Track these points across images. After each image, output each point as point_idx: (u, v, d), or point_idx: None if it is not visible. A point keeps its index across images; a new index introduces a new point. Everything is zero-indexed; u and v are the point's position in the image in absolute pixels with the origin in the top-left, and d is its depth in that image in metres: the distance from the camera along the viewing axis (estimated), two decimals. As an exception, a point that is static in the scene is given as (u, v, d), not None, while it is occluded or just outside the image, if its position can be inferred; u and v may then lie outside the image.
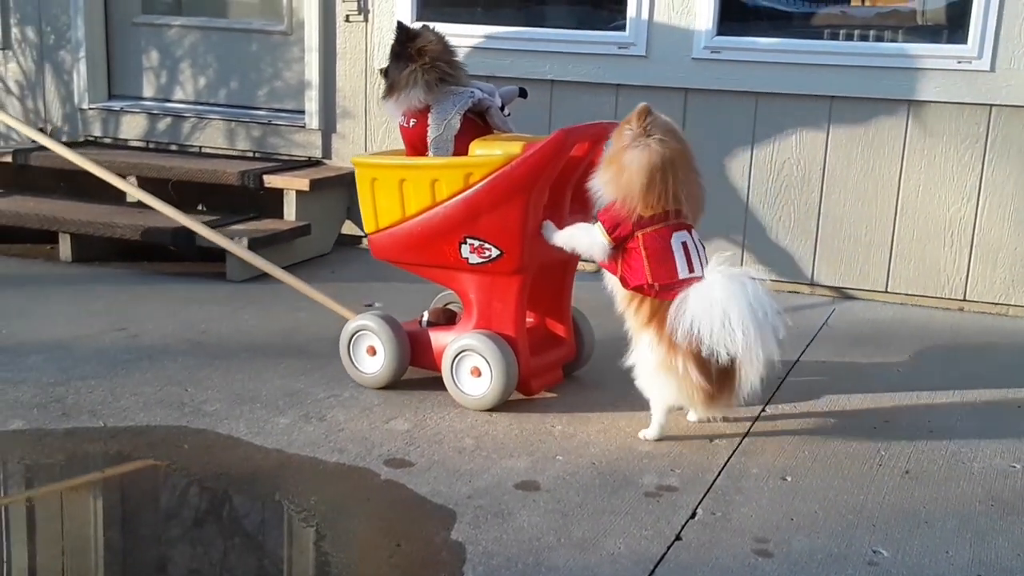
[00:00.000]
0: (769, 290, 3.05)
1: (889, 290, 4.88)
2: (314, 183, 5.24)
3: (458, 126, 3.48)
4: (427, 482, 2.94)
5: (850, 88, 4.75)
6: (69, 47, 6.04)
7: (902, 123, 4.72)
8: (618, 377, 3.30)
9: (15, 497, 2.93)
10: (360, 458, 3.08)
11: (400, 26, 3.63)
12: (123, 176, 5.42)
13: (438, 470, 3.01)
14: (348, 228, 5.61)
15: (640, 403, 3.28)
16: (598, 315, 3.43)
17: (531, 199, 3.33)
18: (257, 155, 5.79)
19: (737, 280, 3.01)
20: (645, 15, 4.95)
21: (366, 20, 5.43)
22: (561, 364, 3.72)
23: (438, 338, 3.58)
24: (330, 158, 5.64)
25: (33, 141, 6.00)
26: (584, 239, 3.24)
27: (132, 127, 6.03)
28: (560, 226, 3.35)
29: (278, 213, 5.32)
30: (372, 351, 3.61)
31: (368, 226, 3.62)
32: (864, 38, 4.84)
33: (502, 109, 3.63)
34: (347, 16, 5.47)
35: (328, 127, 5.63)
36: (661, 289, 3.09)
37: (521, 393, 3.54)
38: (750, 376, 3.02)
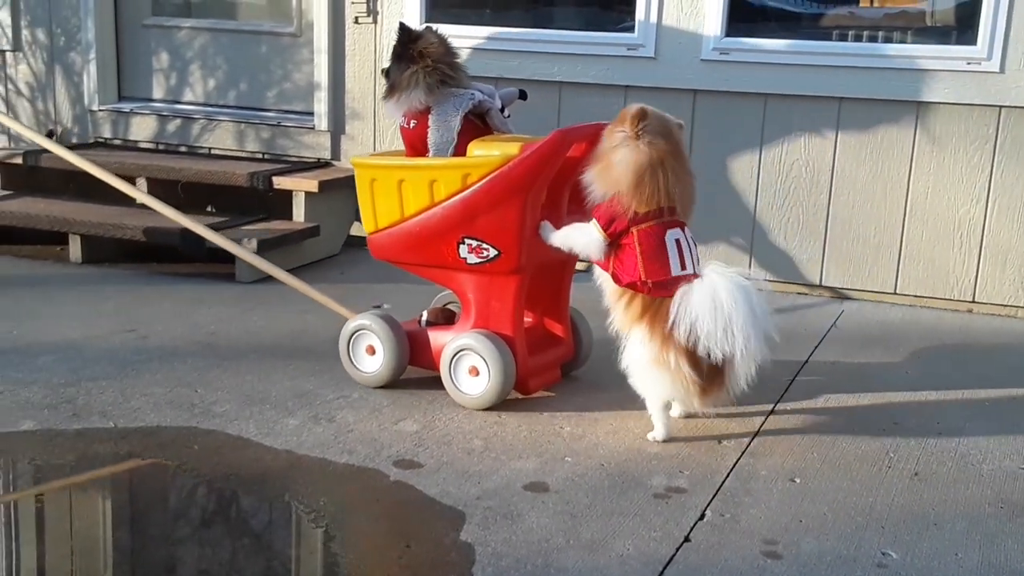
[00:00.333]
0: (762, 291, 3.08)
1: (898, 291, 4.87)
2: (323, 184, 5.25)
3: (459, 128, 3.50)
4: (436, 483, 2.94)
5: (859, 89, 4.74)
6: (79, 49, 6.06)
7: (911, 125, 4.72)
8: (625, 378, 3.30)
9: (27, 497, 2.94)
10: (369, 459, 3.09)
11: (402, 27, 3.64)
12: (133, 178, 5.47)
13: (447, 471, 3.02)
14: (357, 229, 5.62)
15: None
16: (597, 315, 3.43)
17: (528, 199, 3.35)
18: (266, 156, 5.81)
19: (739, 284, 3.03)
20: (654, 16, 4.95)
21: (375, 22, 5.44)
22: (559, 364, 3.74)
23: (437, 337, 3.60)
24: (339, 159, 5.65)
25: (43, 142, 6.05)
26: (581, 238, 3.26)
27: (142, 129, 6.05)
28: (558, 226, 3.38)
29: (287, 214, 5.33)
30: (371, 350, 3.63)
31: (367, 226, 3.64)
32: (873, 39, 4.83)
33: (502, 111, 3.65)
34: (356, 18, 5.48)
35: (337, 128, 5.64)
36: (654, 286, 3.12)
37: (519, 392, 3.56)
38: (742, 376, 3.07)
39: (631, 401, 3.33)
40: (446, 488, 2.91)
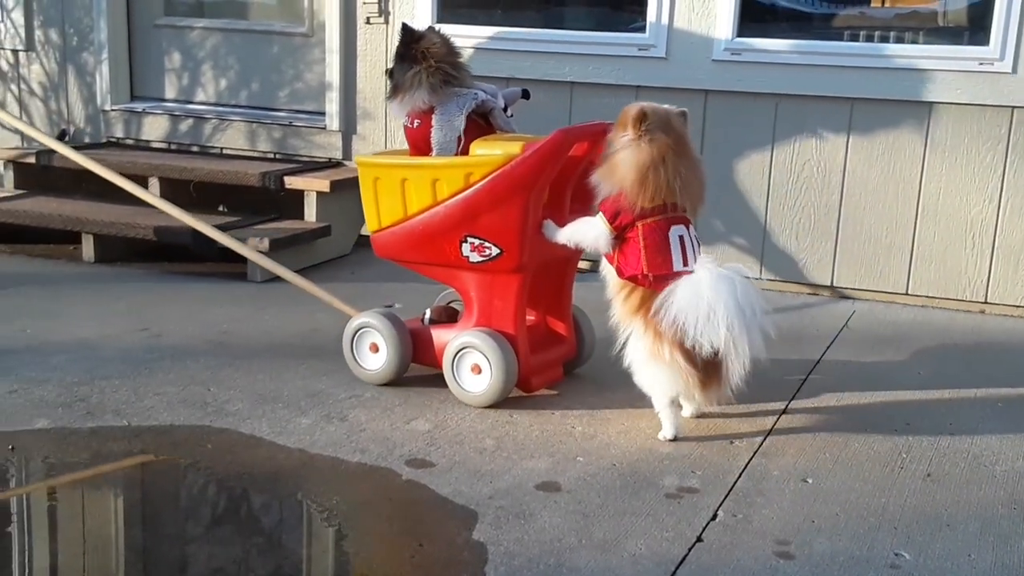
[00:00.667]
0: (758, 288, 3.09)
1: (910, 292, 4.86)
2: (334, 184, 5.26)
3: (462, 127, 3.52)
4: (448, 482, 2.95)
5: (871, 90, 4.74)
6: (92, 49, 6.08)
7: (923, 125, 4.71)
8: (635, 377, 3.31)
9: (41, 495, 2.95)
10: (382, 458, 3.10)
11: (405, 28, 3.67)
12: (145, 177, 5.49)
13: (459, 470, 3.03)
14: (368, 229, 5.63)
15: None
16: (601, 315, 3.45)
17: (531, 198, 3.37)
18: (278, 156, 5.82)
19: (726, 277, 3.04)
20: (665, 17, 4.95)
21: (386, 22, 5.45)
22: (561, 362, 3.76)
23: (440, 335, 3.62)
24: (350, 159, 5.66)
25: (57, 140, 6.07)
26: (589, 232, 3.28)
27: (154, 128, 6.07)
28: (560, 225, 3.40)
29: (299, 214, 5.34)
30: (375, 348, 3.65)
31: (371, 225, 3.67)
32: (885, 40, 4.83)
33: (505, 110, 3.68)
34: (367, 18, 5.49)
35: (348, 128, 5.66)
36: (655, 280, 3.14)
37: (521, 390, 3.58)
38: (735, 371, 3.07)
39: (642, 401, 3.33)
40: (458, 487, 2.92)
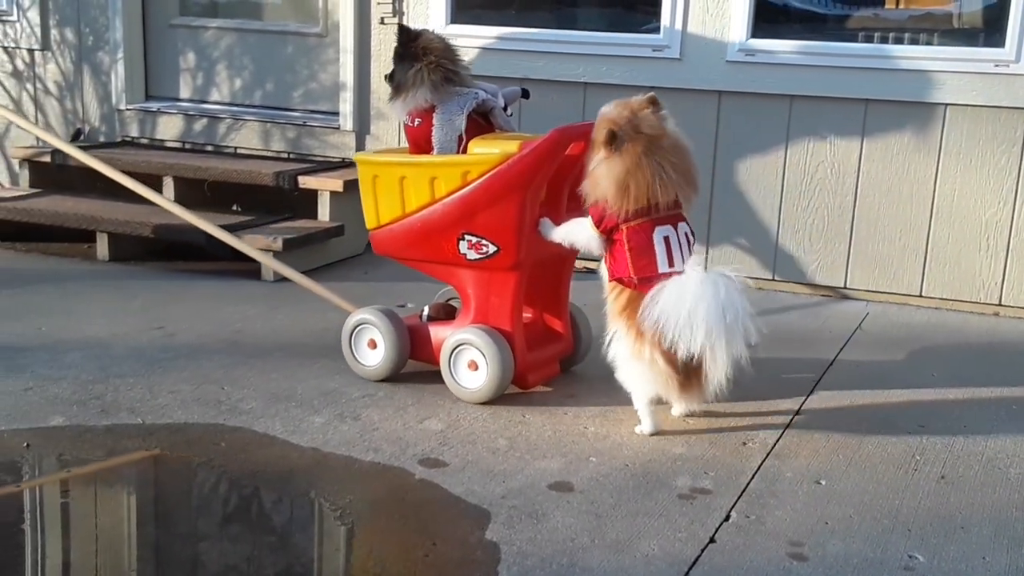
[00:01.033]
0: (745, 290, 3.08)
1: (924, 294, 4.85)
2: (348, 184, 5.27)
3: (463, 126, 3.55)
4: (461, 482, 2.95)
5: (885, 91, 4.72)
6: (107, 48, 6.11)
7: (938, 126, 4.69)
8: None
9: (55, 491, 2.97)
10: (395, 457, 3.10)
11: (401, 28, 3.70)
12: (160, 177, 5.52)
13: (472, 470, 3.03)
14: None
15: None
16: (602, 313, 3.46)
17: (527, 196, 3.39)
18: (292, 156, 5.84)
19: (710, 279, 3.05)
20: (679, 18, 4.95)
21: (401, 22, 5.46)
22: (558, 359, 3.78)
23: (437, 332, 3.65)
24: (364, 159, 5.66)
25: (72, 140, 6.11)
26: (582, 234, 3.32)
27: (168, 128, 6.09)
28: (557, 223, 3.43)
29: (312, 214, 5.36)
30: (373, 344, 3.68)
31: (370, 222, 3.70)
32: (899, 41, 4.81)
33: (505, 109, 3.71)
34: (382, 18, 5.50)
35: (362, 128, 5.67)
36: (640, 281, 3.17)
37: (517, 387, 3.60)
38: (715, 374, 3.07)
39: (658, 404, 3.33)
40: (471, 487, 2.92)
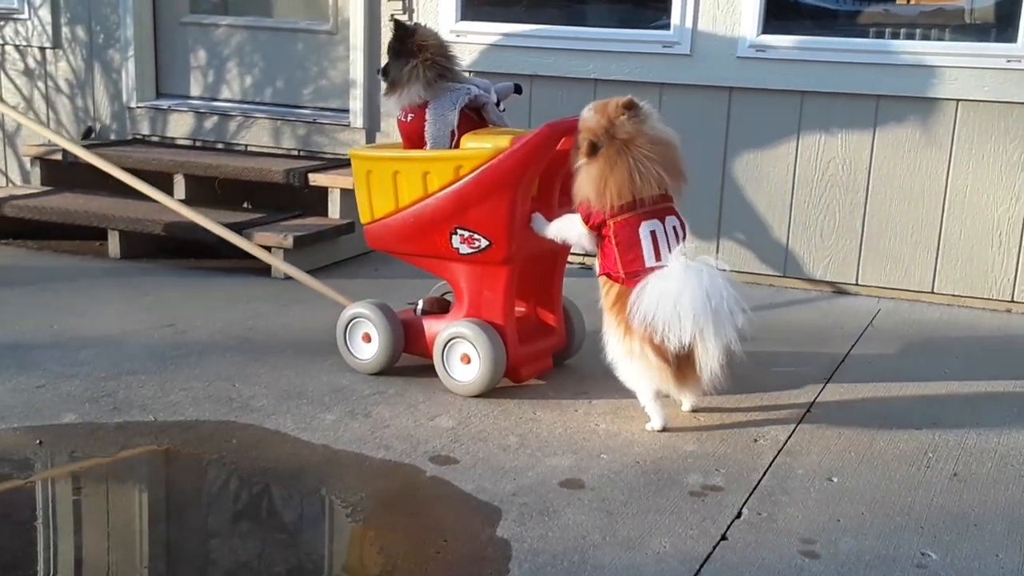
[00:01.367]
0: (731, 280, 3.10)
1: (935, 291, 4.83)
2: (358, 181, 5.27)
3: (455, 122, 3.59)
4: (472, 479, 2.95)
5: (897, 87, 4.71)
6: (118, 46, 6.12)
7: (950, 122, 4.67)
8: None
9: (68, 489, 2.98)
10: (405, 455, 3.11)
11: (397, 23, 3.73)
12: (170, 174, 5.53)
13: (483, 467, 3.03)
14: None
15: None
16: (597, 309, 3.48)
17: (518, 191, 3.42)
18: (302, 153, 5.84)
19: (694, 269, 3.07)
20: (690, 14, 4.93)
21: (411, 19, 5.46)
22: (551, 353, 3.80)
23: (431, 326, 3.68)
24: (374, 156, 5.67)
25: (83, 138, 6.13)
26: (573, 230, 3.37)
27: (179, 125, 6.10)
28: (549, 218, 3.46)
29: (323, 211, 5.36)
30: (367, 338, 3.71)
31: (364, 216, 3.74)
32: (910, 37, 4.80)
33: (498, 104, 3.74)
34: (392, 15, 5.48)
35: (372, 125, 5.67)
36: (628, 276, 3.20)
37: (510, 380, 3.62)
38: (707, 363, 3.07)
39: (665, 399, 3.33)
40: (482, 484, 2.92)
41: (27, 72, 6.34)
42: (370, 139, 5.67)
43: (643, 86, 5.05)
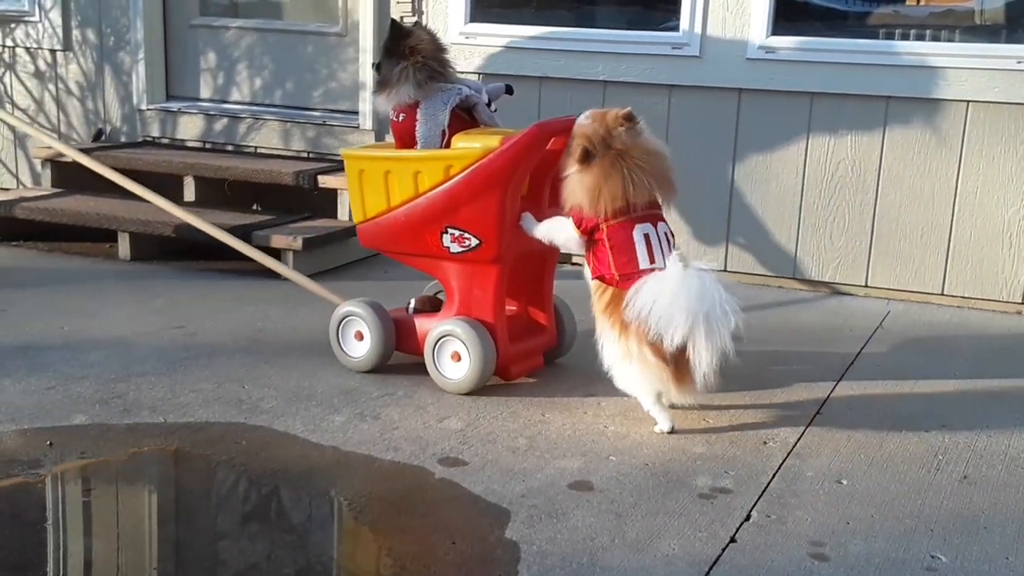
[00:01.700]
0: (725, 283, 3.12)
1: (945, 293, 4.81)
2: (367, 183, 5.28)
3: (446, 122, 3.62)
4: (481, 481, 2.95)
5: (907, 88, 4.70)
6: (128, 49, 6.14)
7: (960, 124, 4.66)
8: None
9: (78, 489, 2.99)
10: (414, 456, 3.11)
11: (394, 24, 3.78)
12: (180, 176, 5.55)
13: (492, 469, 3.03)
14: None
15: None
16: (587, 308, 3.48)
17: (508, 191, 3.45)
18: (311, 155, 5.85)
19: (690, 273, 3.10)
20: (699, 16, 4.93)
21: (420, 22, 5.46)
22: (541, 351, 3.82)
23: (422, 324, 3.71)
24: (383, 158, 5.67)
25: (94, 140, 6.15)
26: (562, 233, 3.40)
27: (189, 128, 6.12)
28: (539, 218, 3.49)
29: (332, 213, 5.37)
30: (359, 336, 3.73)
31: (356, 216, 3.76)
32: (920, 38, 4.78)
33: (489, 105, 3.76)
34: (401, 17, 5.49)
35: (382, 128, 5.67)
36: (622, 279, 3.22)
37: (500, 378, 3.64)
38: (701, 364, 3.07)
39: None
40: (491, 486, 2.92)
41: (38, 74, 6.37)
42: (380, 141, 5.68)
43: (652, 88, 5.05)
